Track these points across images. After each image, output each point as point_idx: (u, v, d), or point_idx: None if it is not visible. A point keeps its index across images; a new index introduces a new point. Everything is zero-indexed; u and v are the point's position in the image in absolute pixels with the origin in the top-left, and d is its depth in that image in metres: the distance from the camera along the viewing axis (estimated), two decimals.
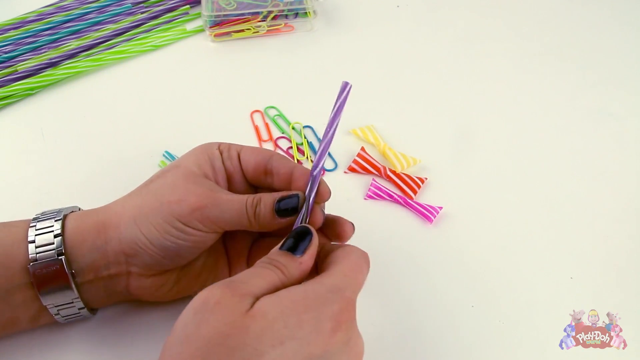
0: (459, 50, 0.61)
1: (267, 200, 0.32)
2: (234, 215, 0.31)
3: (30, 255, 0.31)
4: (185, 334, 0.25)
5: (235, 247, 0.37)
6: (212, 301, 0.25)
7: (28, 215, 0.34)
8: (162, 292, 0.34)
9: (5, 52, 0.55)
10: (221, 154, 0.35)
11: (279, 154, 0.35)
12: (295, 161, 0.48)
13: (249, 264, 0.36)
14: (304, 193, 0.32)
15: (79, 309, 0.33)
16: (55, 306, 0.32)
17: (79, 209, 0.35)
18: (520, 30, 0.64)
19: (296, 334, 0.24)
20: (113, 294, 0.34)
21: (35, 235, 0.31)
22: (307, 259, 0.29)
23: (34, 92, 0.52)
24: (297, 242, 0.29)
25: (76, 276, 0.31)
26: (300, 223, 0.32)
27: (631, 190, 0.48)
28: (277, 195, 0.32)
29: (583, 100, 0.56)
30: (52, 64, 0.54)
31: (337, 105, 0.31)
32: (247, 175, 0.36)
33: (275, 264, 0.28)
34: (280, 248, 0.29)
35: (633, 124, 0.54)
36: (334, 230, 0.34)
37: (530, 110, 0.55)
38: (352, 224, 0.34)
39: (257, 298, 0.26)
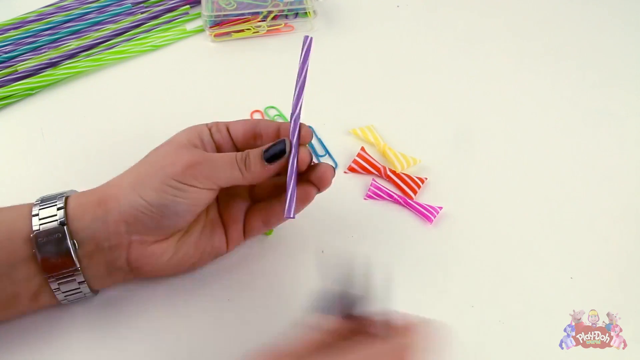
0: (459, 50, 0.61)
1: (256, 150, 0.35)
2: (226, 168, 0.34)
3: (33, 227, 0.32)
4: None
5: (230, 215, 0.38)
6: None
7: None
8: (162, 262, 0.35)
9: (5, 52, 0.55)
10: (210, 129, 0.37)
11: (262, 119, 0.38)
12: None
13: (245, 230, 0.39)
14: (289, 139, 0.35)
15: (79, 282, 0.33)
16: (57, 280, 0.33)
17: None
18: (520, 30, 0.64)
19: None
20: (114, 270, 0.34)
21: (40, 209, 0.33)
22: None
23: (34, 92, 0.52)
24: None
25: (77, 247, 0.32)
26: (290, 165, 0.35)
27: (631, 190, 0.48)
28: (264, 146, 0.35)
29: (583, 100, 0.56)
30: (52, 64, 0.54)
31: (302, 57, 0.35)
32: (237, 144, 0.38)
33: None
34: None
35: (633, 124, 0.54)
36: (316, 174, 0.37)
37: (530, 110, 0.55)
38: (334, 168, 0.37)
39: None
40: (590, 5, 0.69)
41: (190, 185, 0.33)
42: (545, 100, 0.56)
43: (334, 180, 0.46)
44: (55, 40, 0.57)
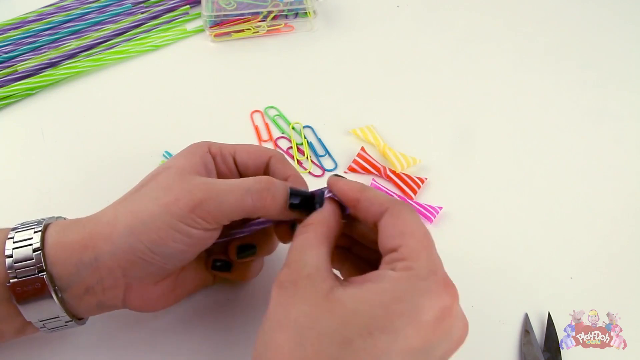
0: (459, 50, 0.61)
1: (280, 184, 0.31)
2: (236, 201, 0.30)
3: (8, 272, 0.28)
4: (277, 319, 0.25)
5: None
6: (289, 285, 0.26)
7: (27, 216, 0.33)
8: (159, 303, 0.33)
9: (5, 52, 0.55)
10: (214, 158, 0.34)
11: (275, 154, 0.35)
12: (295, 161, 0.48)
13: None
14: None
15: (66, 322, 0.31)
16: (41, 321, 0.30)
17: (64, 219, 0.33)
18: (520, 30, 0.64)
19: (387, 326, 0.24)
20: (106, 307, 0.32)
21: (13, 249, 0.29)
22: (326, 206, 0.30)
23: (34, 92, 0.52)
24: (307, 204, 0.31)
25: (62, 292, 0.29)
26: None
27: (631, 190, 0.48)
28: (291, 185, 0.32)
29: (583, 100, 0.56)
30: (52, 64, 0.54)
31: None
32: (246, 173, 0.35)
33: (308, 226, 0.29)
34: (292, 207, 0.30)
35: (633, 124, 0.54)
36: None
37: (530, 110, 0.55)
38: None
39: (327, 270, 0.26)
40: (591, 5, 0.69)
41: (197, 229, 0.29)
42: (545, 100, 0.56)
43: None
44: (55, 40, 0.57)
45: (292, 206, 0.31)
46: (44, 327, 0.30)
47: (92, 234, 0.29)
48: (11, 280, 0.28)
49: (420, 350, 0.24)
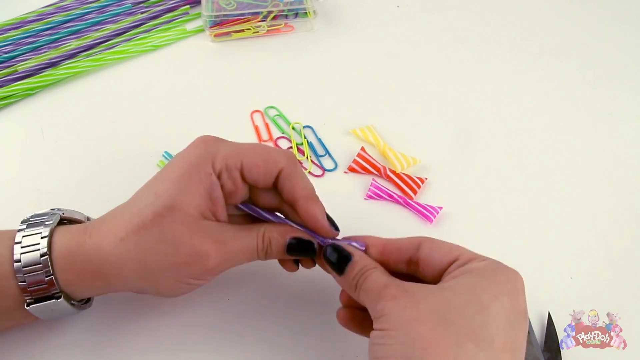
0: (458, 50, 0.61)
1: (280, 243, 0.33)
2: (244, 260, 0.33)
3: (25, 297, 0.30)
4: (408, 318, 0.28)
5: None
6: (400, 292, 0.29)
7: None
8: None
9: (5, 52, 0.55)
10: (219, 176, 0.31)
11: (285, 165, 0.33)
12: None
13: None
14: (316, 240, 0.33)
15: (72, 312, 0.33)
16: (52, 317, 0.33)
17: (62, 213, 0.33)
18: (520, 31, 0.64)
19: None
20: (111, 292, 0.34)
21: (21, 253, 0.30)
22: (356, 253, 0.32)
23: (34, 92, 0.52)
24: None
25: (77, 301, 0.33)
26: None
27: (631, 190, 0.48)
28: (286, 235, 0.33)
29: (583, 100, 0.56)
30: (52, 64, 0.54)
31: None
32: (256, 187, 0.34)
33: None
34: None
35: (633, 124, 0.54)
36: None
37: (530, 110, 0.55)
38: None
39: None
40: (590, 5, 0.69)
41: (207, 280, 0.33)
42: (544, 100, 0.56)
43: (333, 180, 0.47)
44: (55, 40, 0.57)
45: (289, 253, 0.33)
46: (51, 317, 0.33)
47: (102, 270, 0.31)
48: (27, 301, 0.30)
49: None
